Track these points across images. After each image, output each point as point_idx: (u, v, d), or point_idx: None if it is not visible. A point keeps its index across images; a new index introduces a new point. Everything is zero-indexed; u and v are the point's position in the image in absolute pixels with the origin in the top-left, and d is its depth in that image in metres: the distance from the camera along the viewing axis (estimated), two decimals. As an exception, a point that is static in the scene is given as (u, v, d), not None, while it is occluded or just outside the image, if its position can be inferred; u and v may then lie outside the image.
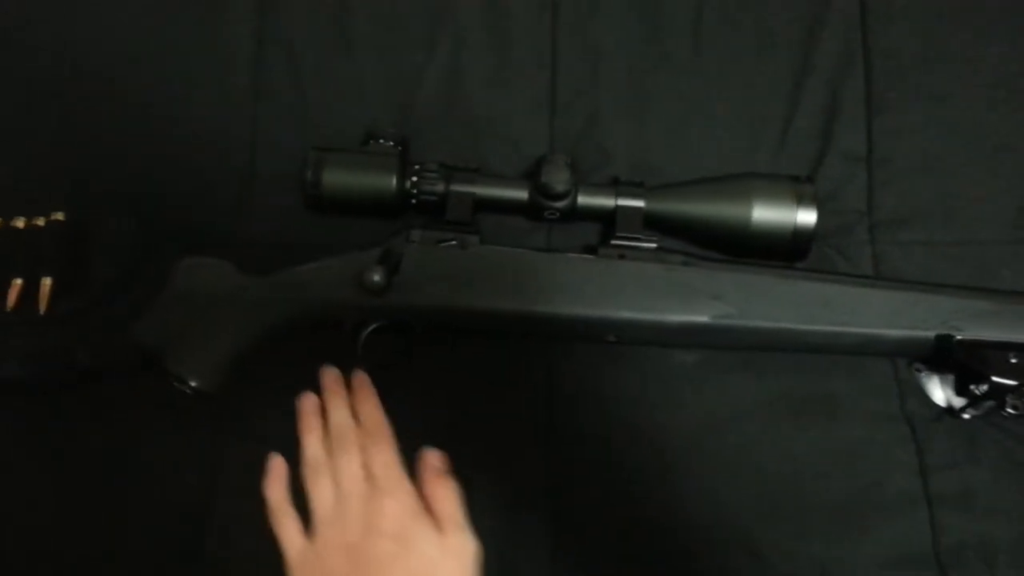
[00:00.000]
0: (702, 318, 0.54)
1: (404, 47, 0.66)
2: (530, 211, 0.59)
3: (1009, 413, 0.53)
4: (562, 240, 0.61)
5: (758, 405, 0.58)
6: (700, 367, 0.59)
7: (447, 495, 0.49)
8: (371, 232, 0.57)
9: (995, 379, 0.51)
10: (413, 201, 0.58)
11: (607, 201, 0.58)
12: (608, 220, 0.58)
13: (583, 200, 0.58)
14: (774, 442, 0.57)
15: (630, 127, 0.64)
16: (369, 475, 0.49)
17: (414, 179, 0.58)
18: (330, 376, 0.55)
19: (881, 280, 0.58)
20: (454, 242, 0.56)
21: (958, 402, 0.55)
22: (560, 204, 0.57)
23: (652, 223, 0.58)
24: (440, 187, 0.58)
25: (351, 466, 0.50)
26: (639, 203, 0.57)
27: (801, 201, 0.56)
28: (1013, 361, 0.51)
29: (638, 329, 0.55)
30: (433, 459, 0.51)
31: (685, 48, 0.66)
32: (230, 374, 0.55)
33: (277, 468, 0.52)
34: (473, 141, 0.64)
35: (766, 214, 0.56)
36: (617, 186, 0.58)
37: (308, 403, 0.54)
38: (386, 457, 0.50)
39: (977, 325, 0.53)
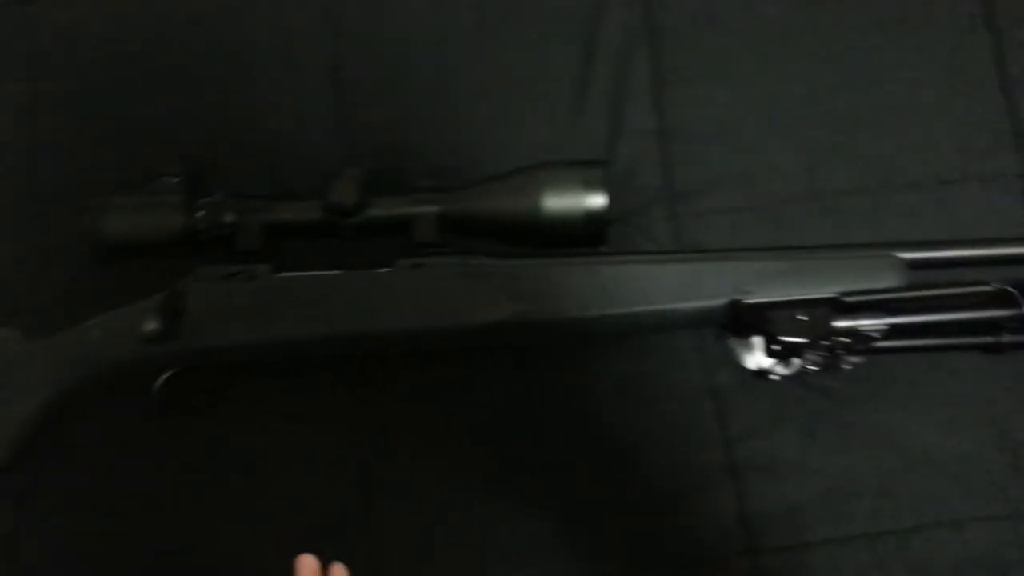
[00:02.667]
0: (501, 317, 0.53)
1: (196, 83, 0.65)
2: (325, 231, 0.57)
3: (812, 369, 0.54)
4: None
5: (584, 388, 0.58)
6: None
7: None
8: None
9: (782, 339, 0.51)
10: (203, 237, 0.56)
11: (402, 210, 0.56)
12: (406, 229, 0.56)
13: (377, 213, 0.56)
14: (602, 424, 0.57)
15: (428, 128, 0.63)
16: None
17: (201, 214, 0.56)
18: (306, 569, 0.48)
19: (674, 254, 0.57)
20: (245, 275, 0.54)
21: (767, 364, 0.56)
22: (353, 220, 0.56)
23: (451, 226, 0.57)
24: (229, 218, 0.56)
25: None
26: (433, 208, 0.56)
27: (588, 185, 0.55)
28: (800, 318, 0.52)
29: (441, 336, 0.54)
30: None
31: (474, 39, 0.65)
32: (27, 444, 0.52)
33: (306, 569, 0.48)
34: (271, 165, 0.63)
35: (556, 203, 0.55)
36: (411, 194, 0.57)
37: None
38: None
39: (766, 287, 0.53)
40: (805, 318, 0.52)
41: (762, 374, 0.56)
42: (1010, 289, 0.53)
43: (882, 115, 0.61)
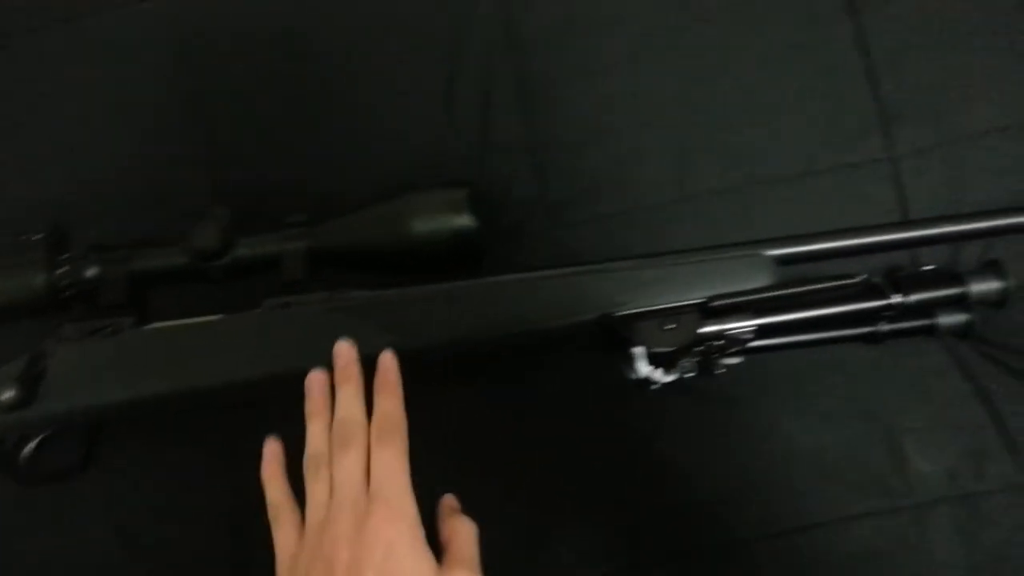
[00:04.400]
0: (373, 351, 0.51)
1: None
2: (192, 276, 0.56)
3: (690, 375, 0.54)
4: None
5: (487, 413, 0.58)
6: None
7: (465, 532, 0.43)
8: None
9: (652, 350, 0.51)
10: (67, 294, 0.55)
11: (268, 249, 0.55)
12: (276, 267, 0.56)
13: (243, 253, 0.55)
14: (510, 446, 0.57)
15: (295, 157, 0.62)
16: (370, 482, 0.43)
17: (63, 270, 0.55)
18: (343, 354, 0.48)
19: (546, 270, 0.55)
20: (109, 329, 0.53)
21: (647, 372, 0.55)
22: (219, 263, 0.55)
23: (320, 261, 0.56)
24: (91, 272, 0.55)
25: (349, 469, 0.43)
26: (301, 244, 0.55)
27: (455, 208, 0.55)
28: (668, 327, 0.51)
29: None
30: (451, 501, 0.46)
31: (341, 69, 0.63)
32: None
33: (272, 454, 0.47)
34: (140, 211, 0.62)
35: (423, 228, 0.54)
36: (278, 231, 0.56)
37: (316, 384, 0.48)
38: (392, 462, 0.43)
39: (636, 297, 0.52)
40: (673, 326, 0.51)
41: (643, 383, 0.56)
42: (875, 280, 0.53)
43: (750, 109, 0.60)
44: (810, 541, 0.52)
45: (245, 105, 0.64)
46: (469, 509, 0.45)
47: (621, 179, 0.60)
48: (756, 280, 0.54)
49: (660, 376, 0.55)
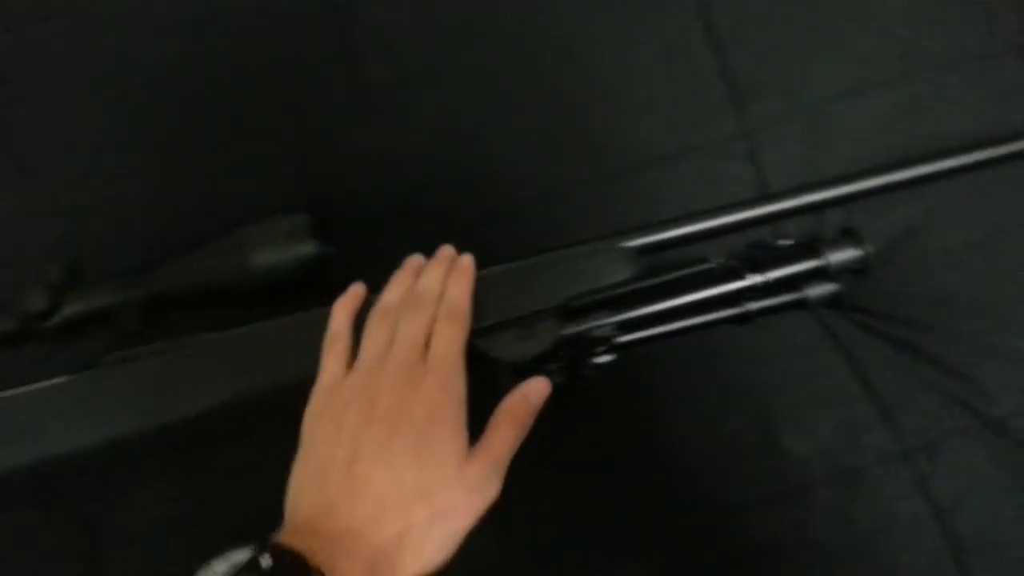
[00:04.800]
0: (220, 398, 0.49)
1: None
2: (25, 338, 0.52)
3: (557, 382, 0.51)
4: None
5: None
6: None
7: (507, 438, 0.43)
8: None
9: (513, 362, 0.48)
10: None
11: (102, 302, 0.52)
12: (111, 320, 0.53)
13: (75, 310, 0.52)
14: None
15: (129, 199, 0.58)
16: (429, 348, 0.45)
17: None
18: (445, 250, 0.51)
19: None
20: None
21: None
22: (50, 323, 0.52)
23: (162, 308, 0.53)
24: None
25: (415, 328, 0.46)
26: (138, 292, 0.52)
27: (295, 235, 0.52)
28: (526, 336, 0.48)
29: (159, 435, 0.49)
30: (535, 391, 0.45)
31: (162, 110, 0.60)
32: None
33: (354, 293, 0.50)
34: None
35: (265, 260, 0.52)
36: (111, 281, 0.53)
37: (413, 261, 0.51)
38: (452, 338, 0.45)
39: (494, 307, 0.49)
40: (531, 333, 0.49)
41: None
42: (732, 263, 0.52)
43: (604, 98, 0.58)
44: (697, 540, 0.50)
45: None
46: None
47: (479, 184, 0.57)
48: (618, 274, 0.52)
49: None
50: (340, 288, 0.52)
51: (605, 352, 0.52)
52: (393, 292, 0.49)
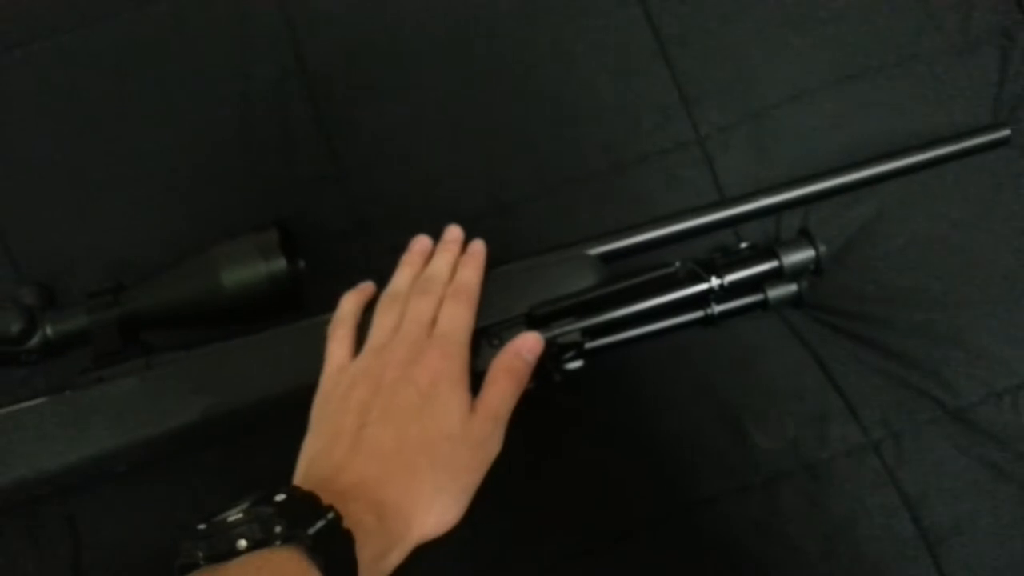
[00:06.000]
0: (191, 418, 0.50)
1: None
2: (6, 362, 0.53)
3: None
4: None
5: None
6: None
7: (504, 392, 0.44)
8: None
9: (480, 371, 0.48)
10: None
11: (77, 323, 0.53)
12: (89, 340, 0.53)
13: (55, 331, 0.52)
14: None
15: (101, 221, 0.59)
16: (435, 326, 0.46)
17: None
18: (453, 232, 0.53)
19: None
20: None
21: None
22: (28, 346, 0.52)
23: (139, 326, 0.53)
24: None
25: (422, 309, 0.47)
26: (112, 313, 0.52)
27: (265, 252, 0.52)
28: (493, 345, 0.49)
29: (136, 453, 0.50)
30: (527, 344, 0.47)
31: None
32: None
33: (365, 290, 0.51)
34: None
35: (235, 278, 0.52)
36: (88, 301, 0.53)
37: (419, 244, 0.52)
38: (459, 316, 0.47)
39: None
40: (498, 343, 0.50)
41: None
42: (692, 266, 0.53)
43: (554, 107, 0.59)
44: (668, 533, 0.51)
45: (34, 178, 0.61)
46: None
47: (433, 199, 0.59)
48: (583, 280, 0.53)
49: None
50: (312, 303, 0.53)
51: (574, 358, 0.54)
52: (402, 277, 0.50)
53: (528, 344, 0.47)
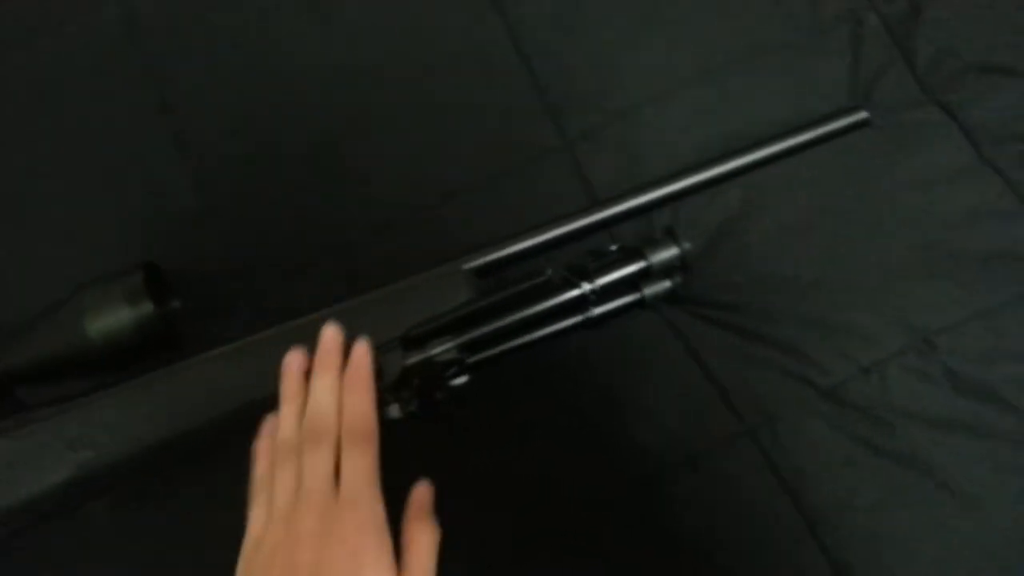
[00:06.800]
0: (65, 475, 0.48)
1: None
2: None
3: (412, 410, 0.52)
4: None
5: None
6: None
7: (424, 541, 0.41)
8: None
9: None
10: None
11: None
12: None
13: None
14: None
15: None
16: (340, 483, 0.41)
17: None
18: (328, 339, 0.46)
19: (236, 342, 0.51)
20: None
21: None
22: None
23: (8, 383, 0.52)
24: None
25: (319, 464, 0.42)
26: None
27: (130, 296, 0.52)
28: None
29: (13, 516, 0.48)
30: (421, 495, 0.44)
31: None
32: None
33: (268, 429, 0.45)
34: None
35: (102, 326, 0.51)
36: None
37: (294, 363, 0.46)
38: (363, 466, 0.42)
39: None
40: (377, 368, 0.49)
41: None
42: (564, 273, 0.53)
43: (425, 128, 0.59)
44: (557, 536, 0.52)
45: None
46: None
47: (308, 227, 0.58)
48: (457, 297, 0.53)
49: (393, 413, 0.55)
50: (190, 342, 0.53)
51: (458, 374, 0.54)
52: (288, 421, 0.45)
53: (422, 493, 0.44)
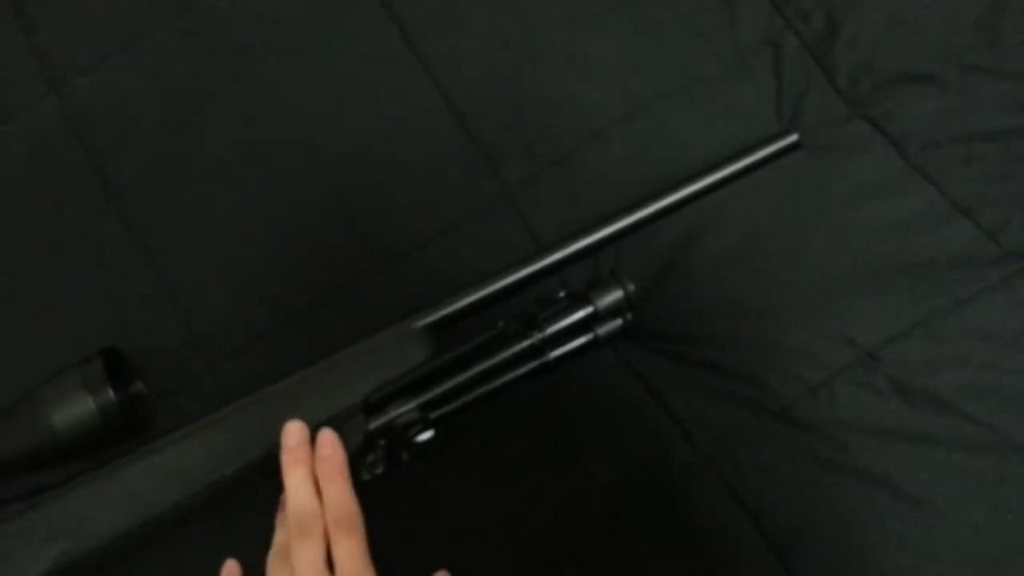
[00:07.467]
0: (41, 568, 0.49)
1: None
2: None
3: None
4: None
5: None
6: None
7: None
8: None
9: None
10: None
11: None
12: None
13: None
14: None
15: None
16: (332, 565, 0.42)
17: None
18: (293, 435, 0.47)
19: (206, 418, 0.52)
20: None
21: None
22: None
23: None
24: None
25: (311, 562, 0.42)
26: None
27: (91, 385, 0.52)
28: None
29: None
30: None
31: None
32: None
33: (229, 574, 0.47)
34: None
35: (66, 418, 0.52)
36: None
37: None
38: (356, 551, 0.43)
39: (304, 417, 0.50)
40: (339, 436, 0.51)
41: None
42: (515, 324, 0.53)
43: (364, 191, 0.61)
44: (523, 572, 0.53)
45: None
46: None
47: (261, 294, 0.59)
48: (414, 356, 0.54)
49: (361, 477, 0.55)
50: (160, 421, 0.54)
51: (421, 431, 0.55)
52: (281, 533, 0.46)
53: None
